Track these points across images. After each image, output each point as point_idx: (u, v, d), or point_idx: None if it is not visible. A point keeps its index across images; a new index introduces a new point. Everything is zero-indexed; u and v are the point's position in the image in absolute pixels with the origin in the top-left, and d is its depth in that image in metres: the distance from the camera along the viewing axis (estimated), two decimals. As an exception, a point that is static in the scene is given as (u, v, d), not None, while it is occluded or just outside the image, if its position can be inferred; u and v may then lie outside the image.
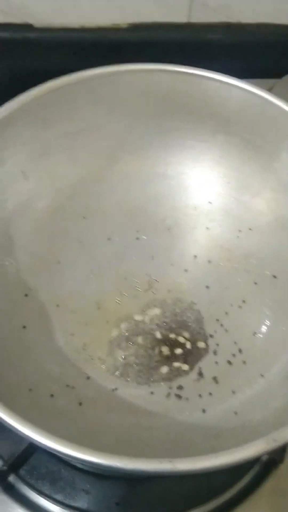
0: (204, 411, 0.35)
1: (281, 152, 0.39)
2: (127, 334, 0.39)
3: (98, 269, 0.42)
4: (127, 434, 0.33)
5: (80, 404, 0.35)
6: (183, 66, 0.40)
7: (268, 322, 0.39)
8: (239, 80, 0.39)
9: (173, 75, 0.40)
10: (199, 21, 0.57)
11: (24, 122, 0.38)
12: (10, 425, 0.25)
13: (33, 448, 0.35)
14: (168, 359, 0.38)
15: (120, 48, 0.57)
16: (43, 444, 0.25)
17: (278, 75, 0.58)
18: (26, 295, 0.39)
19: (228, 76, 0.39)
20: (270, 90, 0.56)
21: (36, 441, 0.25)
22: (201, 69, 0.40)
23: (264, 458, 0.37)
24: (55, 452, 0.26)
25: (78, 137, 0.42)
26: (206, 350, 0.39)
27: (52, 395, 0.34)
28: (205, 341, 0.39)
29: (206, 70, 0.40)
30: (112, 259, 0.42)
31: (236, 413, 0.34)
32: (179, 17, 0.57)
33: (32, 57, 0.57)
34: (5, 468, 0.34)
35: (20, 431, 0.25)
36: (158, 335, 0.39)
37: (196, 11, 0.56)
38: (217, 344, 0.39)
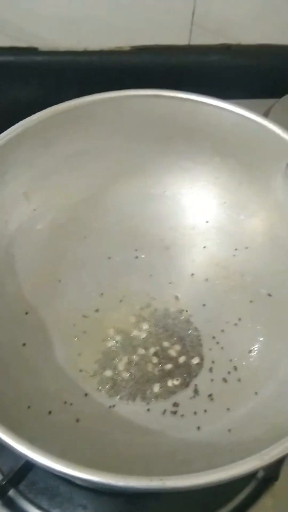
0: (199, 428, 0.36)
1: (275, 174, 0.40)
2: (125, 351, 0.40)
3: (98, 287, 0.43)
4: (124, 451, 0.34)
5: (78, 420, 0.35)
6: (180, 92, 0.41)
7: (263, 340, 0.40)
8: (233, 104, 0.40)
9: (170, 100, 0.41)
10: (200, 43, 0.59)
11: (27, 146, 0.39)
12: (6, 443, 0.26)
13: (31, 463, 0.36)
14: (165, 376, 0.39)
15: (123, 70, 0.59)
16: (36, 461, 0.26)
17: (277, 95, 0.59)
18: (26, 313, 0.40)
19: (223, 100, 0.40)
20: (269, 110, 0.57)
21: (30, 458, 0.26)
22: (197, 94, 0.41)
23: (259, 475, 0.38)
24: (48, 469, 0.27)
25: (79, 159, 0.43)
26: (202, 367, 0.39)
27: (50, 412, 0.35)
28: (201, 359, 0.40)
29: (201, 95, 0.41)
30: (111, 278, 0.43)
31: (230, 430, 0.35)
32: (180, 40, 0.58)
33: (37, 80, 0.59)
34: (4, 482, 0.35)
35: (15, 449, 0.26)
36: (156, 352, 0.40)
37: (196, 33, 0.58)
38: (213, 362, 0.39)
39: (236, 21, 0.57)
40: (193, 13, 0.56)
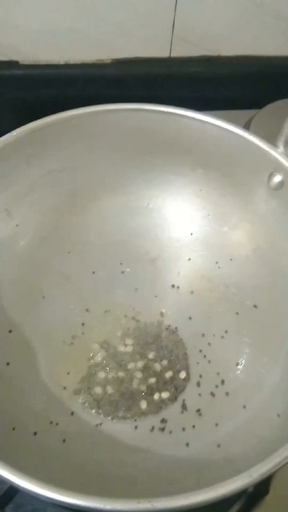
0: (187, 445, 0.35)
1: (257, 186, 0.40)
2: (111, 367, 0.40)
3: (83, 302, 0.42)
4: (112, 471, 0.33)
5: (64, 441, 0.35)
6: (161, 105, 0.41)
7: (249, 352, 0.39)
8: (215, 118, 0.40)
9: (151, 114, 0.41)
10: (180, 56, 0.59)
11: (8, 162, 0.39)
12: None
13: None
14: (152, 392, 0.38)
15: (105, 83, 0.59)
16: (21, 487, 0.25)
17: (258, 105, 0.60)
18: (10, 331, 0.39)
19: (205, 114, 0.41)
20: (250, 120, 0.58)
21: (14, 483, 0.26)
22: (178, 108, 0.41)
23: (250, 490, 0.37)
24: (33, 495, 0.26)
25: (60, 174, 0.43)
26: (189, 381, 0.39)
27: (35, 433, 0.34)
28: (188, 373, 0.39)
29: (183, 109, 0.41)
30: (96, 292, 0.43)
31: (219, 445, 0.35)
32: (161, 52, 0.58)
33: (19, 93, 0.59)
34: (-10, 507, 0.34)
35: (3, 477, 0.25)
36: (142, 367, 0.40)
37: (177, 46, 0.58)
38: (200, 376, 0.39)
39: (216, 33, 0.57)
40: (173, 26, 0.56)
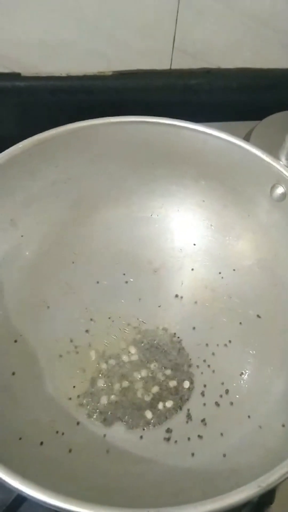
0: (193, 455, 0.35)
1: (260, 197, 0.41)
2: (116, 377, 0.40)
3: (87, 312, 0.43)
4: (118, 481, 0.34)
5: (70, 451, 0.35)
6: (162, 118, 0.41)
7: (254, 362, 0.40)
8: (215, 129, 0.41)
9: (154, 126, 0.42)
10: (181, 68, 0.60)
11: (13, 173, 0.39)
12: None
13: (23, 496, 0.35)
14: (157, 402, 0.39)
15: (106, 95, 0.59)
16: (30, 496, 0.26)
17: (258, 117, 0.60)
18: (15, 341, 0.39)
19: (207, 126, 0.41)
20: (250, 132, 0.58)
21: (24, 492, 0.26)
22: (179, 119, 0.42)
23: (255, 499, 0.37)
24: (42, 504, 0.26)
25: (64, 186, 0.43)
26: (193, 391, 0.39)
27: (42, 443, 0.34)
28: (193, 382, 0.40)
29: (183, 120, 0.41)
30: (100, 302, 0.43)
31: (225, 455, 0.35)
32: (162, 65, 0.59)
33: (21, 104, 0.59)
34: (-4, 518, 0.34)
35: (8, 483, 0.26)
36: (147, 377, 0.40)
37: (177, 58, 0.59)
38: (205, 385, 0.39)
39: (215, 46, 0.58)
40: (174, 39, 0.57)
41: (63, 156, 0.41)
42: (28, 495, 0.26)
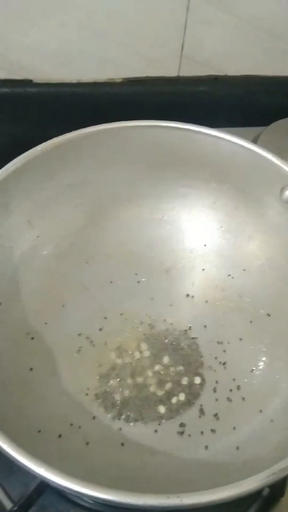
0: (206, 447, 0.36)
1: (270, 198, 0.42)
2: (129, 373, 0.41)
3: (101, 311, 0.44)
4: (133, 473, 0.35)
5: (87, 443, 0.36)
6: (175, 122, 0.43)
7: (264, 358, 0.41)
8: (227, 133, 0.42)
9: (167, 130, 0.43)
10: (189, 75, 0.61)
11: (31, 176, 0.41)
12: (26, 466, 0.27)
13: (42, 488, 0.36)
14: (170, 397, 0.40)
15: (115, 101, 0.61)
16: (58, 484, 0.26)
17: (265, 123, 0.62)
18: (32, 338, 0.40)
19: (217, 129, 0.42)
20: (257, 137, 0.60)
21: (51, 480, 0.27)
22: (191, 124, 0.43)
23: (265, 493, 0.38)
24: (68, 490, 0.27)
25: (80, 187, 0.44)
26: (206, 387, 0.40)
27: (60, 436, 0.35)
28: (205, 379, 0.41)
29: (196, 125, 0.43)
30: (114, 301, 0.44)
31: (237, 448, 0.36)
32: (170, 72, 0.60)
33: (33, 110, 0.60)
34: (15, 509, 0.35)
35: (35, 471, 0.27)
36: (159, 373, 0.41)
37: (185, 65, 0.60)
38: (217, 381, 0.40)
39: (223, 54, 0.60)
40: (182, 47, 0.58)
41: (78, 160, 0.43)
42: (55, 482, 0.26)
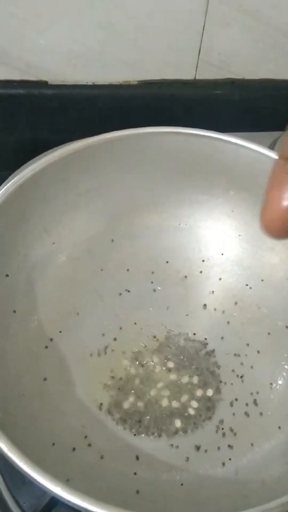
0: (223, 464, 0.36)
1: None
2: (145, 385, 0.40)
3: (116, 320, 0.43)
4: (149, 489, 0.34)
5: (102, 457, 0.35)
6: (193, 129, 0.42)
7: (283, 373, 0.40)
8: (247, 140, 0.41)
9: (184, 137, 0.42)
10: (205, 78, 0.60)
11: (48, 181, 0.40)
12: (43, 485, 0.26)
13: (54, 502, 0.36)
14: (186, 411, 0.39)
15: (131, 103, 0.60)
16: (74, 503, 0.26)
17: (281, 127, 0.61)
18: (46, 347, 0.40)
19: (236, 136, 0.41)
20: (275, 142, 0.59)
21: (67, 500, 0.26)
22: (210, 131, 0.42)
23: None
24: (83, 510, 0.26)
25: (96, 194, 0.43)
26: (222, 401, 0.39)
27: (74, 449, 0.35)
28: (221, 392, 0.40)
29: (214, 132, 0.42)
30: (129, 310, 0.43)
31: (256, 466, 0.35)
32: (186, 75, 0.60)
33: (48, 112, 0.60)
34: (28, 523, 0.34)
35: (52, 491, 0.26)
36: (176, 386, 0.40)
37: (202, 68, 0.59)
38: (234, 395, 0.39)
39: (240, 57, 0.59)
40: (199, 50, 0.58)
41: (96, 165, 0.42)
42: (70, 502, 0.26)
